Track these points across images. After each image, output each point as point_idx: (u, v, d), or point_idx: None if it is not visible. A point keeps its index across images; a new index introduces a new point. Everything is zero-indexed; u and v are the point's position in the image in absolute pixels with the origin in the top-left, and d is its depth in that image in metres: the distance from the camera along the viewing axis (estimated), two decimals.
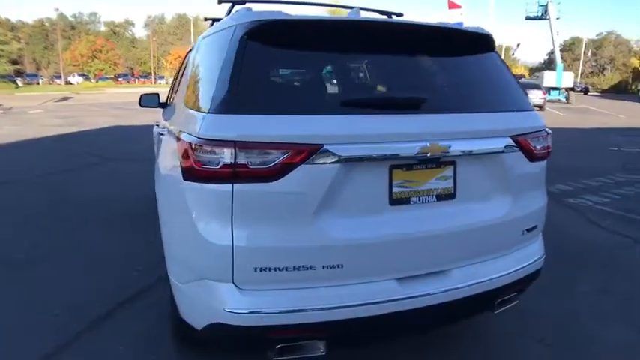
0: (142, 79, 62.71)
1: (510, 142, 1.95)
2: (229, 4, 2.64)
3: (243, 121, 1.61)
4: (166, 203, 2.03)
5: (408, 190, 1.80)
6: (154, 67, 66.93)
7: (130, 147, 9.36)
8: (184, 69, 3.02)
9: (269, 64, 1.78)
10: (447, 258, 1.91)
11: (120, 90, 40.79)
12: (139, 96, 4.47)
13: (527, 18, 37.41)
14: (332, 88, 1.87)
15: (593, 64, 55.94)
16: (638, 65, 50.28)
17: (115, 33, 77.05)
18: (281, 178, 1.59)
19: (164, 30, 78.02)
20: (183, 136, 1.77)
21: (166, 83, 48.85)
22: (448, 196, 1.88)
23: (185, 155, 1.69)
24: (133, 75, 66.55)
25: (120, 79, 58.17)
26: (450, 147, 1.78)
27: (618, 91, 47.63)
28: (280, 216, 1.64)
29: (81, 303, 2.88)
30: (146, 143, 9.56)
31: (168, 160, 2.11)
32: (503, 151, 1.94)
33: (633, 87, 45.52)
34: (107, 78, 58.52)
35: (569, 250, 3.88)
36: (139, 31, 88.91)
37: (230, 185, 1.59)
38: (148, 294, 3.03)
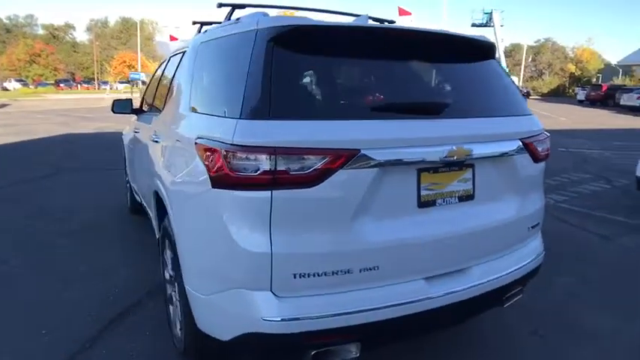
0: (85, 85, 59.89)
1: (520, 144, 2.06)
2: (229, 8, 2.60)
3: (279, 127, 1.60)
4: (185, 213, 1.94)
5: (434, 192, 1.86)
6: (97, 73, 64.09)
7: (85, 156, 9.07)
8: (174, 74, 2.93)
9: (299, 69, 1.77)
10: (468, 257, 1.99)
11: (62, 96, 38.73)
12: (112, 102, 4.36)
13: (473, 25, 39.27)
14: (362, 94, 1.89)
15: (533, 69, 59.50)
16: (574, 70, 54.23)
17: (54, 37, 72.95)
18: (320, 184, 1.60)
19: (107, 34, 74.76)
20: (208, 143, 1.72)
21: (111, 89, 46.92)
22: (468, 197, 1.96)
23: (214, 162, 1.66)
24: (74, 80, 63.33)
25: (61, 84, 55.11)
26: (472, 150, 1.86)
27: (557, 94, 50.97)
28: (319, 221, 1.65)
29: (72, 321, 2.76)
30: (100, 152, 9.24)
31: (180, 169, 2.04)
32: (514, 153, 2.05)
33: (570, 90, 48.87)
34: (47, 84, 55.25)
35: (545, 245, 4.11)
36: (81, 35, 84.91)
37: (269, 192, 1.57)
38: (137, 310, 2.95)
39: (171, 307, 2.50)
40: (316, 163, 1.58)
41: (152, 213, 2.86)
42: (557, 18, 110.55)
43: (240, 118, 1.62)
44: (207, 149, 1.72)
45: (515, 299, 2.28)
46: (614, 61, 49.31)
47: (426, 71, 2.02)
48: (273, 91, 1.64)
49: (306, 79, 1.78)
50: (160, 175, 2.39)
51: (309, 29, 1.76)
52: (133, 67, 50.36)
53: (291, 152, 1.57)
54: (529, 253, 2.27)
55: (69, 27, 76.12)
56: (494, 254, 2.08)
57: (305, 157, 1.58)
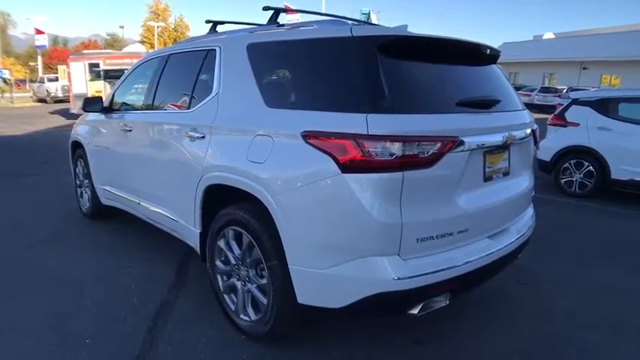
0: None
1: (529, 131, 2.67)
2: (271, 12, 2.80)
3: (403, 120, 1.94)
4: (296, 199, 2.10)
5: (491, 169, 2.35)
6: None
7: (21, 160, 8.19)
8: (200, 72, 3.00)
9: (403, 72, 2.08)
10: (508, 218, 2.53)
11: None
12: (83, 100, 4.14)
13: None
14: (450, 92, 2.29)
15: None
16: None
17: None
18: (434, 165, 1.98)
19: None
20: (333, 134, 1.97)
21: None
22: (506, 173, 2.49)
23: (345, 151, 1.93)
24: None
25: None
26: (515, 136, 2.41)
27: None
28: (432, 194, 2.03)
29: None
30: (37, 155, 8.24)
31: (277, 159, 2.19)
32: (529, 138, 2.65)
33: None
34: None
35: None
36: None
37: (401, 173, 1.91)
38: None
39: (231, 298, 2.66)
40: (432, 148, 1.97)
41: (189, 209, 2.88)
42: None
43: (369, 113, 1.92)
44: (331, 140, 1.98)
45: (522, 252, 2.91)
46: None
47: (482, 74, 2.51)
48: (390, 90, 1.97)
49: (408, 80, 2.13)
50: (226, 167, 2.48)
51: (408, 39, 2.12)
52: None
53: (415, 140, 1.92)
54: (531, 215, 2.90)
55: None
56: (519, 216, 2.67)
57: (425, 143, 1.95)
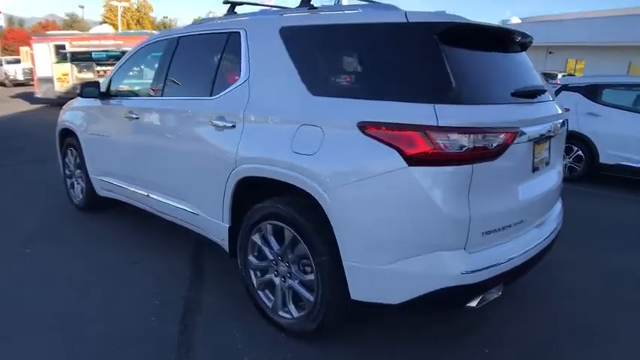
0: None
1: (563, 122, 2.67)
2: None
3: (470, 111, 1.88)
4: (355, 194, 1.99)
5: (537, 160, 2.32)
6: None
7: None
8: (222, 57, 2.84)
9: (462, 60, 2.01)
10: (549, 208, 2.54)
11: None
12: (80, 85, 3.87)
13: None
14: (505, 82, 2.23)
15: None
16: None
17: None
18: (499, 157, 1.93)
19: None
20: (397, 125, 1.88)
21: None
22: (547, 163, 2.48)
23: (412, 143, 1.85)
24: None
25: None
26: (559, 127, 2.39)
27: None
28: (496, 187, 2.00)
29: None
30: (10, 142, 7.71)
31: (330, 151, 2.08)
32: (564, 129, 2.66)
33: None
34: None
35: None
36: None
37: (471, 165, 1.85)
38: None
39: (267, 295, 2.57)
40: (498, 140, 1.92)
41: (214, 202, 2.74)
42: None
43: (436, 103, 1.84)
44: (395, 131, 1.89)
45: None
46: None
47: (520, 62, 2.46)
48: (455, 79, 1.89)
49: (468, 69, 2.05)
50: (266, 159, 2.36)
51: (468, 26, 2.04)
52: None
53: (484, 132, 1.87)
54: (561, 205, 2.91)
55: None
56: (555, 206, 2.69)
57: (491, 135, 1.90)
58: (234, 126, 2.56)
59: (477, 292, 2.02)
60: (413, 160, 1.86)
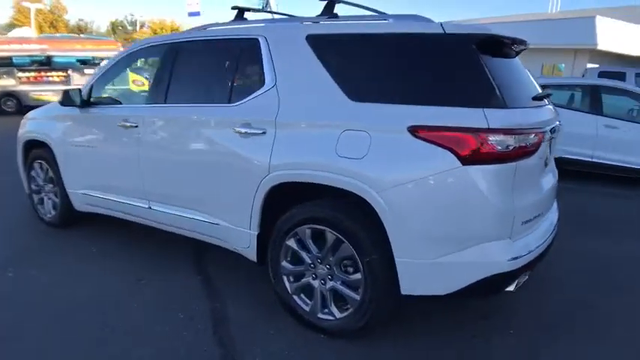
0: None
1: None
2: None
3: (513, 114, 2.11)
4: (409, 193, 2.12)
5: (546, 157, 2.60)
6: None
7: None
8: (238, 64, 2.85)
9: (495, 67, 2.20)
10: (551, 202, 2.81)
11: None
12: (63, 92, 3.64)
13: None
14: (523, 87, 2.46)
15: None
16: None
17: None
18: (534, 154, 2.19)
19: None
20: (450, 129, 2.06)
21: None
22: (547, 161, 2.76)
23: (466, 144, 2.02)
24: None
25: None
26: (560, 126, 2.69)
27: None
28: (529, 181, 2.27)
29: None
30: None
31: (380, 153, 2.18)
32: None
33: None
34: None
35: None
36: None
37: (514, 163, 2.07)
38: None
39: (302, 299, 2.61)
40: (533, 139, 2.17)
41: (241, 211, 2.72)
42: None
43: (485, 108, 2.03)
44: (448, 133, 2.06)
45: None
46: None
47: (522, 68, 2.69)
48: (498, 85, 2.10)
49: (502, 76, 2.25)
50: (307, 164, 2.41)
51: (496, 38, 2.28)
52: None
53: (524, 132, 2.12)
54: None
55: None
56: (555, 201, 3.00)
57: (529, 135, 2.14)
58: (264, 132, 2.57)
59: (516, 277, 2.24)
60: (467, 160, 2.03)
